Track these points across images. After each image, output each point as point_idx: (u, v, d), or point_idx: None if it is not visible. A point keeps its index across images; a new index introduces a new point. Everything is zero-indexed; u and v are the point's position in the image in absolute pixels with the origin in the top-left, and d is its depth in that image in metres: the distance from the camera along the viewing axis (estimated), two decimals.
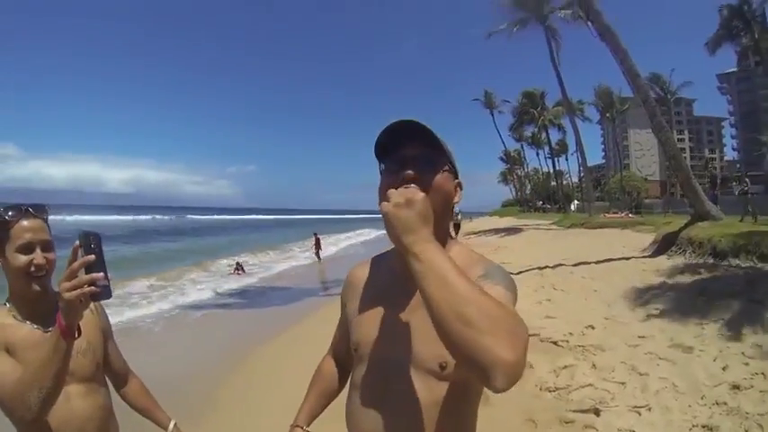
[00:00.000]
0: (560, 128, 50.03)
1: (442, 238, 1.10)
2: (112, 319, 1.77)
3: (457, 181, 1.14)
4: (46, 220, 1.45)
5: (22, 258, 1.36)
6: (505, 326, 0.78)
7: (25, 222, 1.38)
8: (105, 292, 1.11)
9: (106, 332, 1.63)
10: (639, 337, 4.49)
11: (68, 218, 48.82)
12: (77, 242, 1.10)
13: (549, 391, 3.58)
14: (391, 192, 0.95)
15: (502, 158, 63.89)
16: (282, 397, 3.82)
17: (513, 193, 69.66)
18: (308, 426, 1.39)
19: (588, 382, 3.59)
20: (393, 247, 1.08)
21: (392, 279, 1.16)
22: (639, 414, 3.00)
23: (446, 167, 1.09)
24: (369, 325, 1.15)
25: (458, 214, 20.70)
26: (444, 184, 1.07)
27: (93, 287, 1.08)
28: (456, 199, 1.13)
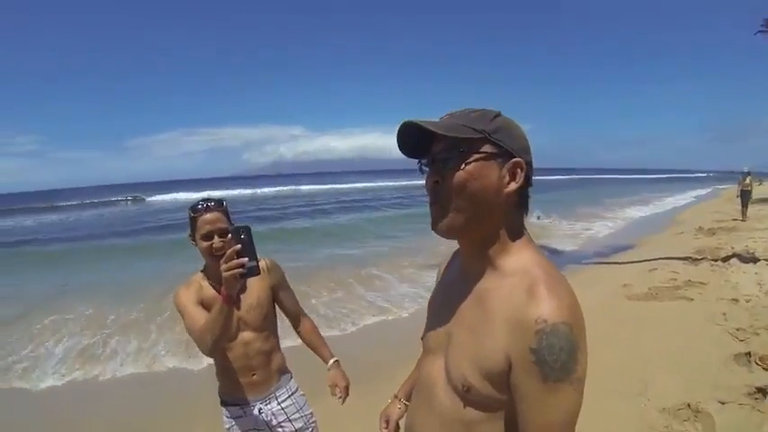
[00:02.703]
0: None
1: (490, 243, 0.96)
2: None
3: (514, 161, 0.92)
4: (224, 211, 1.93)
5: (205, 244, 1.88)
6: None
7: (207, 215, 1.88)
8: (251, 272, 1.49)
9: (277, 286, 2.12)
10: None
11: (353, 185, 58.61)
12: (229, 235, 1.52)
13: None
14: None
15: None
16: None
17: None
18: (408, 399, 1.44)
19: None
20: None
21: (455, 279, 1.08)
22: None
23: (478, 155, 0.91)
24: (429, 323, 1.14)
25: (747, 174, 15.97)
26: (470, 179, 0.90)
27: (240, 269, 1.47)
28: (511, 187, 0.92)
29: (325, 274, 9.31)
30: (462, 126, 0.91)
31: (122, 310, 7.41)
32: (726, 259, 8.63)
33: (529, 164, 0.95)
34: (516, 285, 0.90)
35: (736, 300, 6.02)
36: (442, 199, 0.94)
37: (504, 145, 0.92)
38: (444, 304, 1.07)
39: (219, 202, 1.96)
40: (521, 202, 0.97)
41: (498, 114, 0.95)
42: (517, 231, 0.97)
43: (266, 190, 52.28)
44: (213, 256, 1.87)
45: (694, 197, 31.27)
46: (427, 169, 0.98)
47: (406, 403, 1.45)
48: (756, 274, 7.29)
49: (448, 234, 0.97)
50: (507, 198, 0.93)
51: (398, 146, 0.98)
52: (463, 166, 0.91)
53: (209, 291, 1.96)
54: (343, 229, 17.05)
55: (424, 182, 0.99)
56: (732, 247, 9.73)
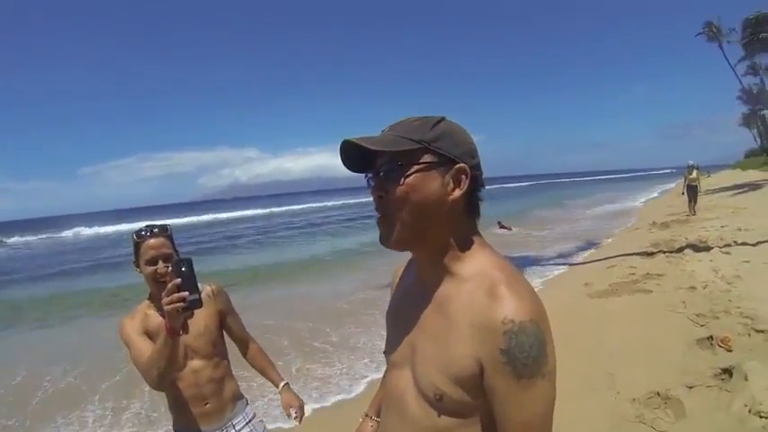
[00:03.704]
0: None
1: (443, 251, 0.94)
2: None
3: (457, 167, 0.90)
4: (168, 237, 1.90)
5: (149, 269, 1.83)
6: None
7: (151, 241, 1.84)
8: (193, 305, 1.47)
9: (223, 312, 2.06)
10: None
11: (312, 205, 57.84)
12: (170, 267, 1.52)
13: (760, 417, 2.95)
14: None
15: (740, 98, 52.02)
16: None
17: (758, 139, 55.90)
18: (378, 416, 1.41)
19: None
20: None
21: (411, 289, 1.06)
22: None
23: (418, 165, 0.89)
24: (390, 333, 1.11)
25: (693, 168, 14.95)
26: (411, 191, 0.89)
27: (181, 303, 1.45)
28: (456, 194, 0.90)
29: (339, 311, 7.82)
30: (400, 138, 0.90)
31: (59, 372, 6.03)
32: (680, 250, 8.86)
33: (475, 167, 0.93)
34: (476, 289, 0.89)
35: (693, 287, 6.13)
36: (387, 213, 0.93)
37: (445, 152, 0.90)
38: (404, 316, 1.03)
39: (164, 227, 1.92)
40: (470, 206, 0.96)
41: (440, 120, 0.93)
42: (469, 236, 0.97)
43: (224, 216, 50.71)
44: (158, 282, 1.83)
45: (660, 192, 32.06)
46: (373, 183, 0.97)
47: (378, 420, 1.42)
48: (711, 261, 7.48)
49: (397, 247, 0.95)
50: (453, 205, 0.92)
51: (343, 163, 0.97)
52: (403, 179, 0.89)
53: (156, 319, 1.88)
54: (311, 260, 15.24)
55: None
56: (686, 238, 10.01)
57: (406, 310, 1.03)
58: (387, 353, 1.10)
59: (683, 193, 15.54)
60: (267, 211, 55.04)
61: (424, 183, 0.89)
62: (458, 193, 0.91)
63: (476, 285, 0.90)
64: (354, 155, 0.94)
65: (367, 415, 1.47)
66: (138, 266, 1.88)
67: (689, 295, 5.84)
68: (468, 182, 0.91)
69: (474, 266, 0.93)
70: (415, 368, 0.95)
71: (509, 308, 0.83)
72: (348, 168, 0.98)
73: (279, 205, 64.93)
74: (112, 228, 41.67)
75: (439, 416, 0.90)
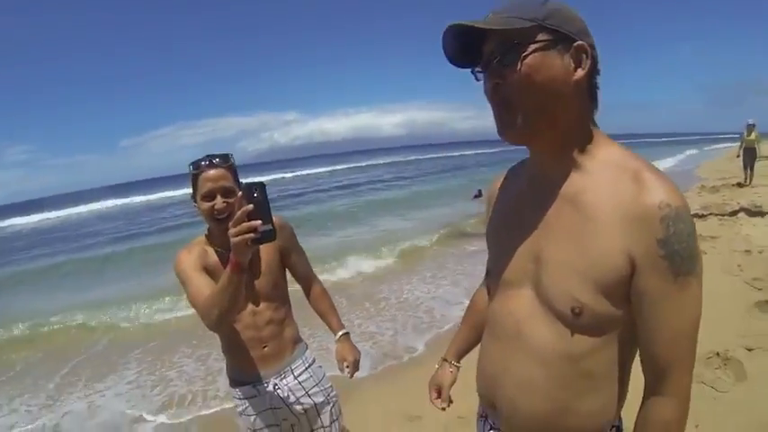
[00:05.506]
0: None
1: (568, 141, 0.86)
2: None
3: (576, 45, 0.81)
4: (229, 168, 1.69)
5: (206, 204, 1.65)
6: None
7: (210, 172, 1.65)
8: (266, 236, 1.26)
9: (285, 249, 1.87)
10: None
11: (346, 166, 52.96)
12: (240, 193, 1.27)
13: None
14: None
15: None
16: None
17: None
18: (458, 361, 1.34)
19: None
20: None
21: (523, 196, 0.95)
22: None
23: (535, 44, 0.79)
24: (498, 249, 0.99)
25: (752, 128, 12.61)
26: (532, 72, 0.79)
27: (252, 234, 1.24)
28: (579, 74, 0.81)
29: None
30: (510, 17, 0.80)
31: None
32: (733, 213, 8.58)
33: (592, 46, 0.83)
34: (617, 178, 0.81)
35: (749, 251, 5.97)
36: (506, 101, 0.83)
37: (562, 29, 0.81)
38: (518, 224, 0.93)
39: (225, 156, 1.71)
40: (591, 92, 0.86)
41: None
42: (593, 125, 0.88)
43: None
44: (215, 219, 1.67)
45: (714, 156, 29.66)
46: (482, 74, 0.87)
47: (458, 365, 1.34)
48: (766, 226, 7.23)
49: (518, 137, 0.86)
50: (577, 87, 0.82)
51: (445, 54, 0.86)
52: (521, 60, 0.80)
53: (215, 257, 1.74)
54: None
55: (482, 90, 0.87)
56: (738, 203, 9.67)
57: (520, 218, 0.93)
58: (493, 273, 1.00)
59: (738, 156, 13.48)
60: (328, 169, 51.65)
61: (545, 62, 0.80)
62: (580, 73, 0.81)
63: (616, 174, 0.81)
64: (456, 48, 0.85)
65: (445, 359, 1.35)
66: (195, 201, 1.71)
67: (744, 259, 5.70)
68: (589, 62, 0.82)
69: (604, 157, 0.85)
70: (541, 282, 0.86)
71: (662, 192, 0.75)
72: (451, 62, 0.87)
73: (322, 166, 61.48)
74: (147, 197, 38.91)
75: (572, 335, 0.83)
